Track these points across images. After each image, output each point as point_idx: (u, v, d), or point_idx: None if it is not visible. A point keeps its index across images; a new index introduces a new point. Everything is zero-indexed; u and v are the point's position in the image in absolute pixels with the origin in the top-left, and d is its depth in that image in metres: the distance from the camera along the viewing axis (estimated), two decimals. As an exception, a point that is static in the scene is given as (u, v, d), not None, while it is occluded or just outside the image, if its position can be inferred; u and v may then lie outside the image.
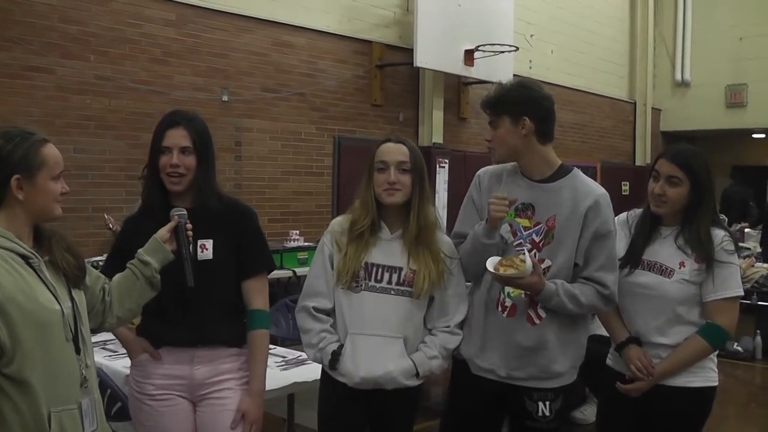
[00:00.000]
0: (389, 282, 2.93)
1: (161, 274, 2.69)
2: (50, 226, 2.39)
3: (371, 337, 2.89)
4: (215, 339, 2.90)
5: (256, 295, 2.97)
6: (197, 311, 2.85)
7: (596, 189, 3.01)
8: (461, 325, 3.02)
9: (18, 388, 2.15)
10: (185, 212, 2.73)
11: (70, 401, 2.25)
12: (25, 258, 2.23)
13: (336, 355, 2.91)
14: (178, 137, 2.81)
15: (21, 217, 2.26)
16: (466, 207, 3.17)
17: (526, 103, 2.97)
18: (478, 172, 3.20)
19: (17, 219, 2.25)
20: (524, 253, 2.85)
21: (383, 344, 2.88)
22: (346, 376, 2.90)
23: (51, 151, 2.30)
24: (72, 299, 2.32)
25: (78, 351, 2.29)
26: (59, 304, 2.25)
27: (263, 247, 3.03)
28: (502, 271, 2.82)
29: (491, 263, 2.85)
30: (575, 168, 3.08)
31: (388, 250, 2.95)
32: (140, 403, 2.89)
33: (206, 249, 2.86)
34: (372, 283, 2.93)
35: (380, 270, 2.94)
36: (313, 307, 2.99)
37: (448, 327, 2.99)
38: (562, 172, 3.04)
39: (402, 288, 2.93)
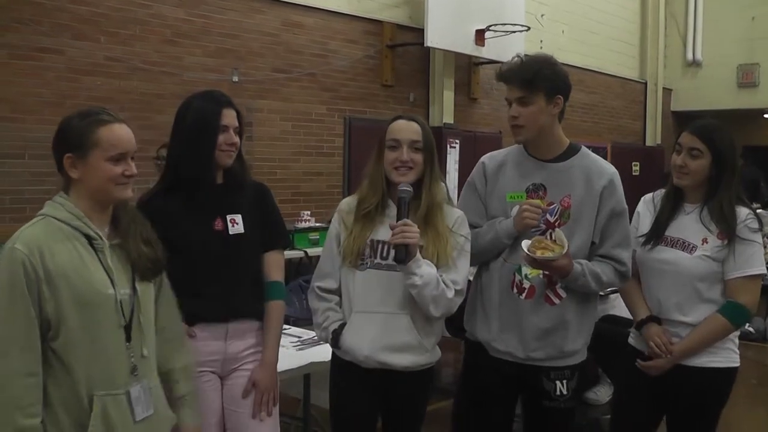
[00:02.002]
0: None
1: (196, 248, 2.82)
2: (134, 213, 2.41)
3: (376, 314, 2.87)
4: (247, 313, 2.95)
5: (276, 267, 3.03)
6: (230, 286, 2.88)
7: (608, 167, 3.03)
8: (459, 293, 2.88)
9: (60, 364, 2.19)
10: (411, 189, 2.82)
11: (116, 387, 2.26)
12: (89, 238, 2.26)
13: (336, 334, 2.92)
14: (232, 117, 2.90)
15: (85, 197, 2.28)
16: (468, 195, 3.15)
17: (560, 81, 2.96)
18: (483, 159, 3.17)
19: (82, 198, 2.28)
20: (554, 233, 2.88)
21: (388, 321, 2.86)
22: (350, 354, 2.90)
23: (111, 131, 2.27)
24: (134, 288, 2.32)
25: (129, 339, 2.29)
26: (114, 289, 2.26)
27: (282, 223, 3.12)
28: (539, 254, 2.81)
29: (525, 246, 2.84)
30: (583, 146, 3.08)
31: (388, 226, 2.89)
32: None
33: (236, 223, 2.92)
34: (378, 260, 2.90)
35: (386, 247, 2.88)
36: (319, 287, 3.01)
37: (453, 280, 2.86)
38: (572, 151, 3.04)
39: None
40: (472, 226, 3.03)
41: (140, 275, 2.35)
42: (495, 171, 3.08)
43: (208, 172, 2.87)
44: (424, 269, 2.76)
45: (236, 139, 2.90)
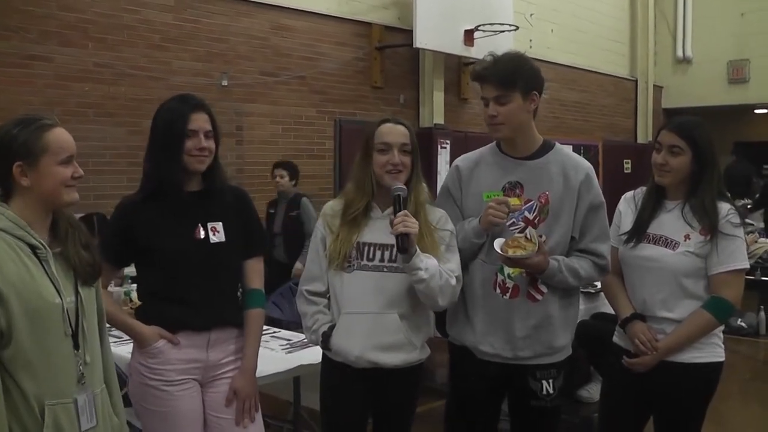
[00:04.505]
0: (381, 260, 2.93)
1: (177, 258, 2.82)
2: (70, 218, 2.37)
3: (364, 315, 2.90)
4: (229, 320, 2.95)
5: (255, 275, 3.03)
6: (212, 294, 2.88)
7: (583, 162, 3.07)
8: (458, 280, 2.94)
9: (8, 375, 2.16)
10: (405, 188, 2.86)
11: (65, 395, 2.24)
12: (33, 248, 2.22)
13: (326, 336, 2.94)
14: (202, 121, 2.85)
15: (32, 205, 2.25)
16: (443, 201, 3.15)
17: (535, 78, 2.97)
18: (456, 162, 3.18)
19: (28, 206, 2.25)
20: (527, 231, 2.88)
21: (377, 320, 2.89)
22: (341, 355, 2.92)
23: (56, 135, 2.26)
24: (77, 294, 2.30)
25: (77, 347, 2.27)
26: (60, 297, 2.23)
27: (262, 230, 3.12)
28: (511, 252, 2.82)
29: (498, 245, 2.85)
30: (557, 143, 3.11)
31: (380, 229, 2.94)
32: (154, 389, 2.86)
33: (218, 232, 2.90)
34: (364, 261, 2.93)
35: (372, 248, 2.94)
36: (307, 291, 3.04)
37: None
38: (546, 147, 3.06)
39: (394, 265, 2.92)
40: None
41: (82, 281, 2.33)
42: (469, 172, 3.09)
43: (176, 178, 2.83)
44: (427, 262, 2.80)
45: (206, 144, 2.84)
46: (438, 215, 2.99)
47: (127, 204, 2.94)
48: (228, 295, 2.95)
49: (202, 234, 2.87)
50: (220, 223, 2.91)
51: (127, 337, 3.73)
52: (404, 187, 2.86)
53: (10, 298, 2.14)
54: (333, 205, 3.06)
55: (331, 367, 3.01)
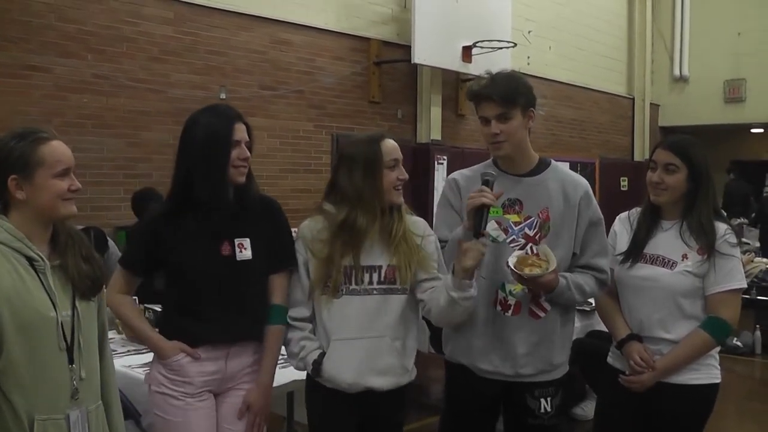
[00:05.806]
0: (370, 282, 2.85)
1: (201, 274, 2.77)
2: (71, 231, 2.36)
3: (356, 340, 2.82)
4: (249, 336, 2.90)
5: (280, 290, 2.93)
6: (235, 311, 2.84)
7: (581, 180, 3.09)
8: None
9: (0, 387, 2.15)
10: (494, 174, 2.84)
11: (56, 411, 2.22)
12: (30, 260, 2.22)
13: (317, 365, 2.85)
14: (243, 131, 2.83)
15: (29, 218, 2.25)
16: (444, 211, 3.13)
17: (531, 95, 2.98)
18: (453, 176, 3.17)
19: (25, 219, 2.24)
20: (540, 249, 2.89)
21: (370, 345, 2.82)
22: (334, 382, 2.84)
23: (52, 148, 2.25)
24: (74, 308, 2.28)
25: (71, 361, 2.26)
26: (56, 311, 2.22)
27: (291, 243, 2.98)
28: (527, 270, 2.81)
29: (511, 262, 2.84)
30: (552, 160, 3.12)
31: (367, 249, 2.86)
32: (172, 399, 2.82)
33: (245, 249, 2.84)
34: (353, 286, 2.84)
35: (360, 271, 2.84)
36: (290, 317, 2.93)
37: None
38: (543, 165, 3.07)
39: (384, 286, 2.85)
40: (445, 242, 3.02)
41: (80, 294, 2.31)
42: (467, 186, 3.04)
43: (223, 191, 2.79)
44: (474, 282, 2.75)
45: (248, 154, 2.82)
46: (421, 223, 2.96)
47: (156, 215, 2.90)
48: (250, 310, 2.87)
49: (228, 250, 2.83)
50: (248, 240, 2.85)
51: (122, 350, 3.76)
52: (494, 173, 2.85)
53: (3, 310, 2.13)
54: (311, 226, 2.93)
55: (317, 388, 2.92)
